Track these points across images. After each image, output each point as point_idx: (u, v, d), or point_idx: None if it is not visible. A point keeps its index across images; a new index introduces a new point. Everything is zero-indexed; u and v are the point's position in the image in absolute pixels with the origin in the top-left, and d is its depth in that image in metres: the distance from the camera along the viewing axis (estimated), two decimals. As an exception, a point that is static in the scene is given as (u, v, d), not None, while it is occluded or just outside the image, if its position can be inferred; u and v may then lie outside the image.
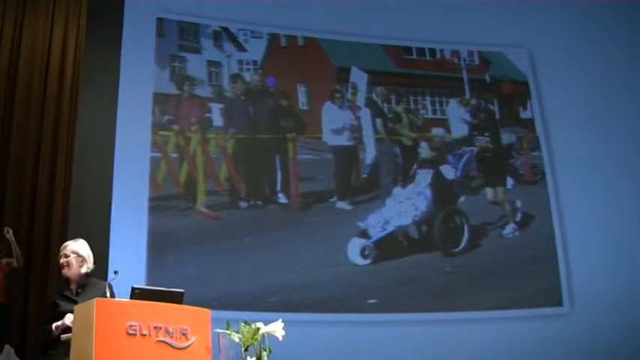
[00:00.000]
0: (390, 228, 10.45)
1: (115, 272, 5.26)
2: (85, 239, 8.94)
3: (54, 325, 5.07)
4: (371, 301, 9.83)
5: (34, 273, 9.06)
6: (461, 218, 10.82)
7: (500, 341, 9.65)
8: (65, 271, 5.29)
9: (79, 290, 5.24)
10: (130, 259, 8.69)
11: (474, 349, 9.48)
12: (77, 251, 5.33)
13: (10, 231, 8.41)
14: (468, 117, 11.58)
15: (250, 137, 10.39)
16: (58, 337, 5.05)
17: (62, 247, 5.40)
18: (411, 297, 9.96)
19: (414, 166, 11.02)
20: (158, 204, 9.69)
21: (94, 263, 5.49)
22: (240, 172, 10.26)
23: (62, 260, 5.31)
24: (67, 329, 5.00)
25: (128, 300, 4.68)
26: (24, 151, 9.55)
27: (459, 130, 11.45)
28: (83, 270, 5.31)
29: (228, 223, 9.81)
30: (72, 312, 4.72)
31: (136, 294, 4.66)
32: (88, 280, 5.31)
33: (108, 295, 5.00)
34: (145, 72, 10.28)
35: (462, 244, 10.64)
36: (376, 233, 10.35)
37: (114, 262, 7.93)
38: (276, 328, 4.94)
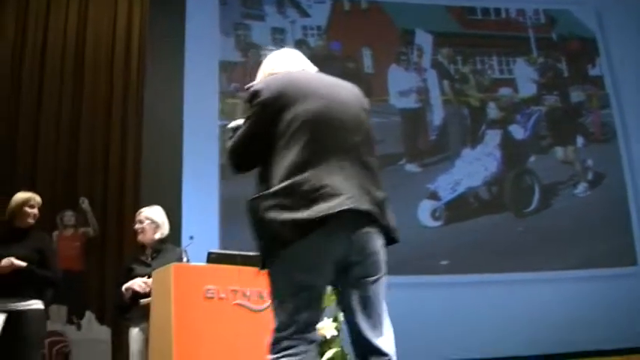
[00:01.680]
0: (460, 189, 10.37)
1: (191, 237, 5.34)
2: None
3: (123, 287, 5.17)
4: (443, 262, 9.81)
5: (110, 241, 9.27)
6: (531, 178, 10.69)
7: (572, 301, 9.54)
8: (140, 237, 5.37)
9: (154, 255, 5.32)
10: (202, 225, 8.79)
11: (546, 309, 9.39)
12: (151, 217, 5.40)
13: (86, 201, 8.59)
14: (535, 76, 11.37)
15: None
16: (136, 301, 5.15)
17: (137, 213, 5.48)
18: (482, 258, 9.90)
19: (483, 127, 10.90)
20: (228, 170, 9.76)
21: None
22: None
23: (137, 226, 5.38)
24: (137, 295, 5.09)
25: (205, 264, 4.76)
26: (95, 123, 9.72)
27: (527, 89, 11.26)
28: (157, 236, 5.37)
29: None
30: (145, 276, 4.81)
31: (212, 258, 4.72)
32: (163, 245, 5.38)
33: (184, 260, 5.07)
34: (210, 41, 10.34)
35: (534, 204, 10.52)
36: (446, 195, 10.29)
37: (187, 229, 8.02)
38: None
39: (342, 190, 2.81)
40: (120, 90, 9.87)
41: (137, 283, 5.08)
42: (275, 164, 2.85)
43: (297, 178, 2.79)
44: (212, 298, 4.48)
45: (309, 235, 2.75)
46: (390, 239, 3.00)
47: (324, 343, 5.03)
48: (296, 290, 2.81)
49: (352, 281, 2.88)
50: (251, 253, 4.94)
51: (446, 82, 11.03)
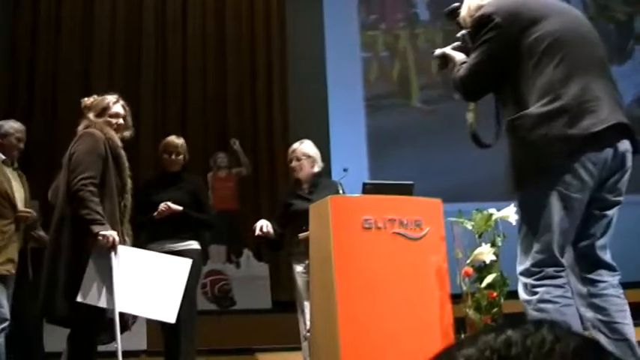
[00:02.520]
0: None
1: (345, 170, 5.35)
2: (305, 143, 9.19)
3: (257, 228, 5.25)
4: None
5: (262, 179, 9.45)
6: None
7: None
8: (298, 174, 5.39)
9: (312, 190, 5.35)
10: (351, 159, 8.81)
11: None
12: (307, 152, 5.42)
13: (237, 142, 8.73)
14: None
15: (458, 28, 10.12)
16: (282, 235, 5.30)
17: (291, 151, 5.49)
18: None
19: (630, 42, 10.39)
20: (373, 103, 9.75)
21: (319, 163, 5.58)
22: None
23: (294, 164, 5.40)
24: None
25: (361, 195, 4.76)
26: (240, 65, 9.86)
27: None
28: (315, 169, 5.40)
29: (445, 116, 9.70)
30: (306, 210, 4.86)
31: (367, 189, 4.72)
32: (319, 179, 5.41)
33: (340, 192, 5.09)
34: (348, -27, 10.23)
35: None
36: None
37: (336, 163, 8.06)
38: (509, 213, 4.89)
39: (604, 105, 2.78)
40: (262, 29, 9.94)
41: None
42: (527, 84, 2.84)
43: (559, 94, 2.77)
44: (370, 228, 4.48)
45: (579, 151, 2.73)
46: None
47: (484, 269, 4.97)
48: (563, 209, 2.79)
49: (602, 198, 2.87)
50: (406, 182, 4.93)
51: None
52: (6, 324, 4.65)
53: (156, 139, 8.90)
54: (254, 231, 5.28)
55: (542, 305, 2.77)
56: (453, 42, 3.38)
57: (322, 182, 5.38)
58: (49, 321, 4.08)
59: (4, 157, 5.05)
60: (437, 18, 10.25)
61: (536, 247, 2.81)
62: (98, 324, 3.87)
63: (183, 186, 5.45)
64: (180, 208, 5.25)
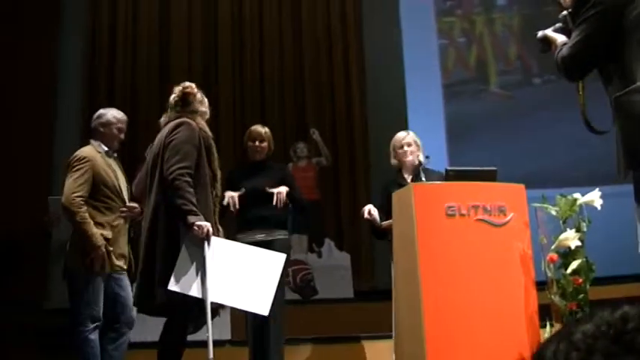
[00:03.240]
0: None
1: (427, 157, 5.37)
2: (383, 130, 9.20)
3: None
4: None
5: (342, 169, 9.48)
6: None
7: None
8: (409, 159, 5.41)
9: (414, 179, 5.33)
10: (430, 146, 8.77)
11: None
12: (416, 140, 5.45)
13: (316, 132, 8.76)
14: None
15: (537, 12, 9.98)
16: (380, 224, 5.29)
17: (401, 137, 5.50)
18: None
19: None
20: (451, 90, 9.70)
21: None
22: (530, 48, 9.92)
23: (405, 149, 5.39)
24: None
25: (444, 182, 4.75)
26: (317, 57, 9.91)
27: None
28: (421, 158, 5.42)
29: (523, 100, 9.60)
30: None
31: (450, 175, 4.71)
32: (421, 168, 5.36)
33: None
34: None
35: None
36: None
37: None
38: (594, 198, 4.82)
39: None
40: (338, 19, 9.96)
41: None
42: (633, 58, 2.81)
43: None
44: (453, 215, 4.47)
45: None
46: None
47: (569, 255, 4.91)
48: None
49: None
50: (488, 168, 4.90)
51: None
52: (99, 323, 4.66)
53: (235, 131, 9.06)
54: (362, 215, 5.36)
55: None
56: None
57: (425, 172, 5.32)
58: (143, 310, 4.15)
59: (106, 149, 4.98)
60: (513, 2, 10.13)
61: None
62: (190, 313, 3.94)
63: (271, 174, 5.52)
64: (286, 188, 5.35)
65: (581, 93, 3.28)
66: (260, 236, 5.31)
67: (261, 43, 9.91)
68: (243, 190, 5.32)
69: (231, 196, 5.25)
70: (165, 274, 3.78)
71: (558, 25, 3.28)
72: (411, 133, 5.54)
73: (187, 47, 9.85)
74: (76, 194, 4.65)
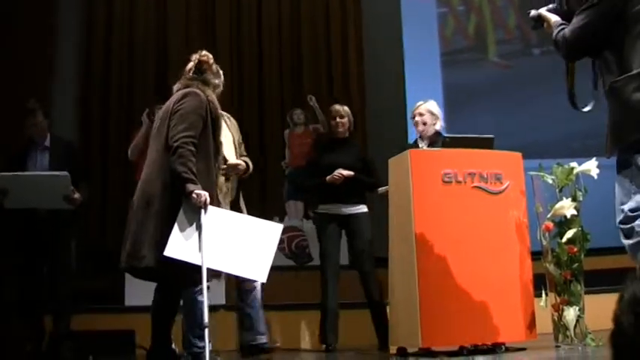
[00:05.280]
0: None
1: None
2: (381, 99, 9.13)
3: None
4: None
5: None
6: None
7: None
8: (420, 129, 5.37)
9: (431, 147, 5.29)
10: (427, 114, 8.78)
11: None
12: (431, 110, 5.39)
13: (313, 98, 8.69)
14: None
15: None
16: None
17: (415, 107, 5.49)
18: None
19: None
20: (450, 58, 9.65)
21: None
22: (529, 19, 9.82)
23: (417, 119, 5.37)
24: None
25: (440, 149, 4.75)
26: (315, 20, 9.82)
27: None
28: (437, 127, 5.38)
29: (522, 71, 9.55)
30: None
31: (447, 142, 4.71)
32: (438, 137, 5.32)
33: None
34: None
35: None
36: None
37: (412, 118, 8.02)
38: (591, 167, 4.83)
39: None
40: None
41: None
42: (631, 48, 2.89)
43: None
44: (450, 182, 4.49)
45: None
46: None
47: (564, 224, 4.92)
48: None
49: None
50: (486, 136, 4.89)
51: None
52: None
53: (232, 99, 8.99)
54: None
55: None
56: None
57: (439, 141, 5.26)
58: (128, 270, 4.11)
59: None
60: (513, -29, 10.06)
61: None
62: (184, 278, 3.93)
63: (353, 151, 5.89)
64: (351, 173, 5.57)
65: (570, 71, 3.33)
66: (345, 209, 5.69)
67: (259, 11, 9.81)
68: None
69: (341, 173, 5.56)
70: (156, 238, 3.77)
71: (552, 5, 3.38)
72: (428, 103, 5.43)
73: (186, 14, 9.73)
74: None
